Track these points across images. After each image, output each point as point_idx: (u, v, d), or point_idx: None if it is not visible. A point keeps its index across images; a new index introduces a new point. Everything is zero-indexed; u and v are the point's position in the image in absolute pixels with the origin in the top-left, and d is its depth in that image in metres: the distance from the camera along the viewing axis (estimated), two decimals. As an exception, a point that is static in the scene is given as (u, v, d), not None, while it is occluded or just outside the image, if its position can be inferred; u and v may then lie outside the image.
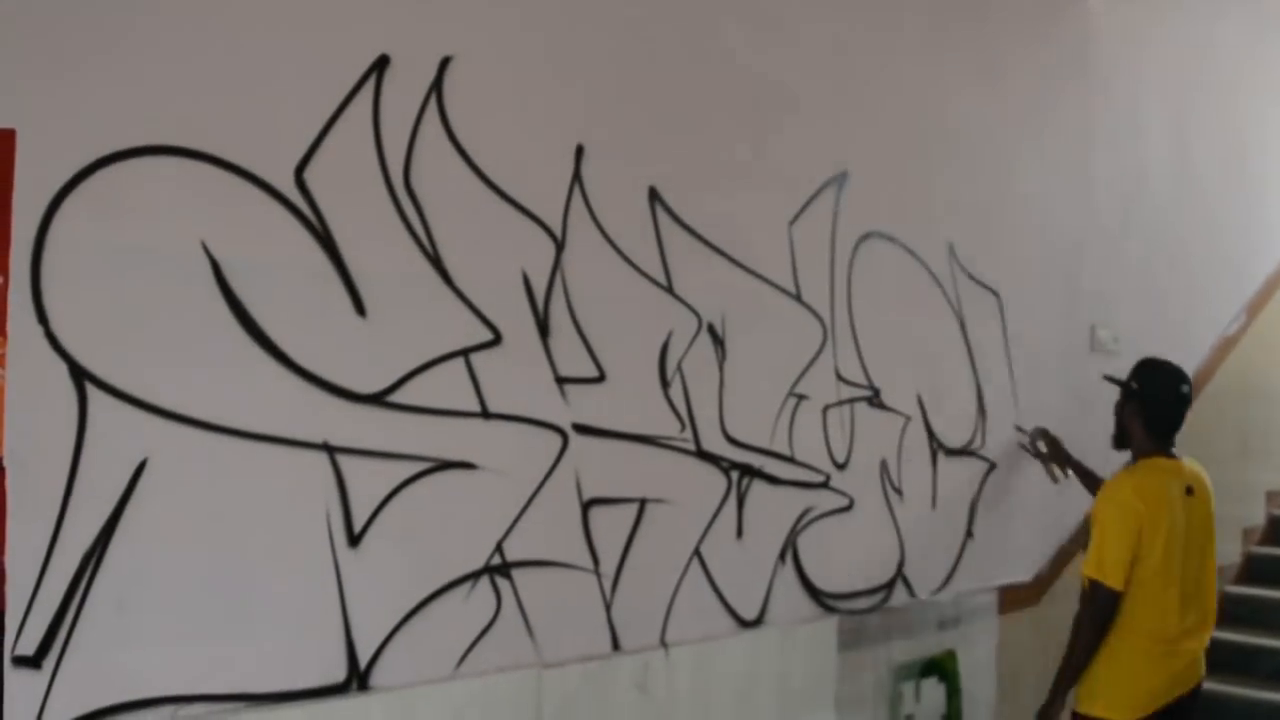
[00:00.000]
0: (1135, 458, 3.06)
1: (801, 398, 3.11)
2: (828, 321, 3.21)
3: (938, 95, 3.65)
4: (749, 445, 2.96)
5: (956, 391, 3.73)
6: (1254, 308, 5.67)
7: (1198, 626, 3.02)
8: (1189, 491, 2.99)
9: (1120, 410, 3.11)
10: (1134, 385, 3.07)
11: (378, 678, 2.19)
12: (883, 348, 3.40)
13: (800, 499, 3.12)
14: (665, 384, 2.75)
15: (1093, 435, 4.38)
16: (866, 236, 3.35)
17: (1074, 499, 4.30)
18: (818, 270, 3.19)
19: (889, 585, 3.44)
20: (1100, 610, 2.90)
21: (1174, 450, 3.05)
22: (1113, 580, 2.86)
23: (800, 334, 3.14)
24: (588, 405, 2.57)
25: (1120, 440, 3.14)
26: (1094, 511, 2.98)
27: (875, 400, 3.38)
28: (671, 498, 2.75)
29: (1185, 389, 3.05)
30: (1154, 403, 3.02)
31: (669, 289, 2.77)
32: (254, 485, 2.02)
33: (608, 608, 2.61)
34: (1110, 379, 3.21)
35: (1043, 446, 3.87)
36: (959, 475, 3.72)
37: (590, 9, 2.62)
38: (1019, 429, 3.77)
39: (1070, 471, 3.88)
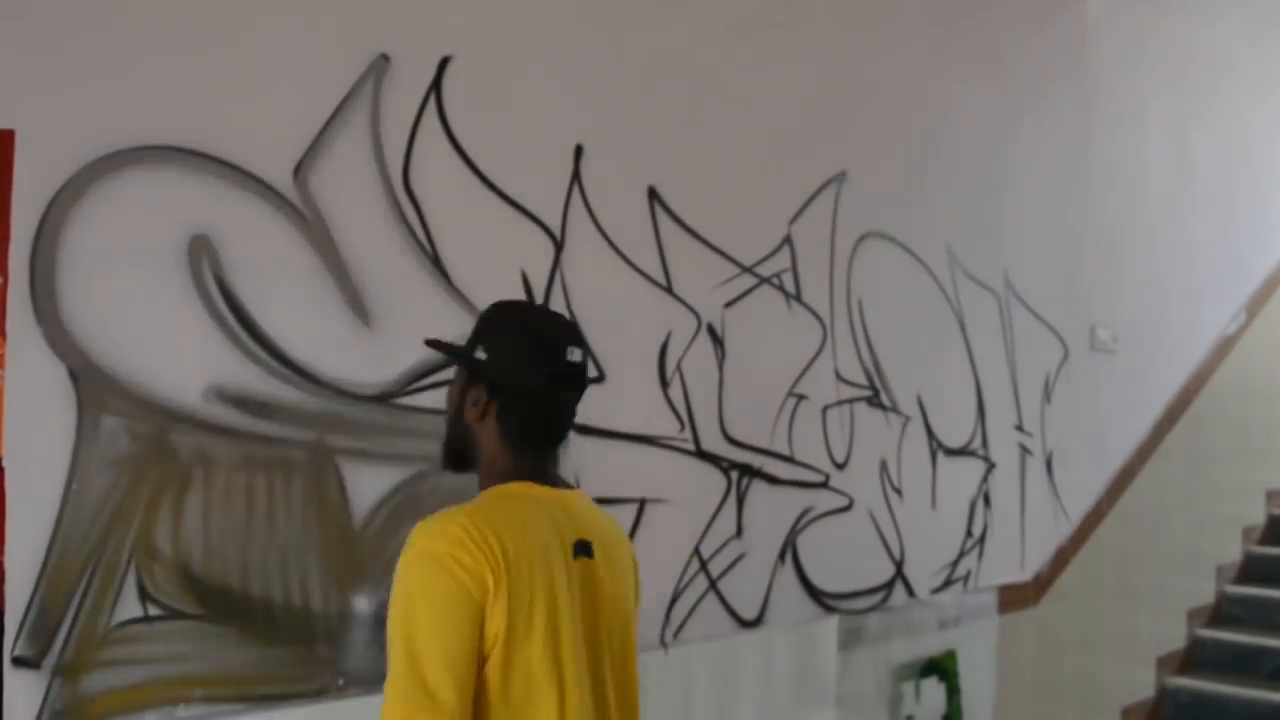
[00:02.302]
0: (486, 482, 1.61)
1: (801, 397, 3.11)
2: (827, 321, 3.21)
3: (937, 95, 3.65)
4: (749, 445, 2.96)
5: (956, 391, 3.73)
6: (1254, 306, 5.68)
7: None
8: (581, 550, 1.57)
9: (457, 401, 1.63)
10: (479, 353, 1.59)
11: (378, 679, 2.18)
12: (882, 347, 3.40)
13: (800, 499, 3.12)
14: (665, 384, 2.75)
15: (1092, 436, 4.40)
16: (866, 236, 3.35)
17: (1074, 499, 4.31)
18: (817, 270, 3.19)
19: (888, 585, 3.43)
20: None
21: (557, 472, 1.67)
22: (444, 697, 1.38)
23: (800, 334, 3.14)
24: (587, 405, 2.55)
25: (459, 459, 1.65)
26: (396, 575, 1.46)
27: (875, 400, 3.38)
28: (671, 498, 2.75)
29: (576, 356, 1.62)
30: (515, 386, 1.58)
31: (668, 289, 2.76)
32: (254, 485, 2.02)
33: (607, 608, 2.61)
34: (437, 344, 1.71)
35: None
36: (958, 475, 3.72)
37: (589, 9, 2.62)
38: None
39: None
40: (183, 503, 1.93)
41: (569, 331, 1.66)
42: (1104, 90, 4.48)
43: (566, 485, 1.65)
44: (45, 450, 1.79)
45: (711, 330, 2.87)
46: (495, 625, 1.43)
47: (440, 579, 1.42)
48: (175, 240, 1.93)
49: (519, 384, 1.58)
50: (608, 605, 1.60)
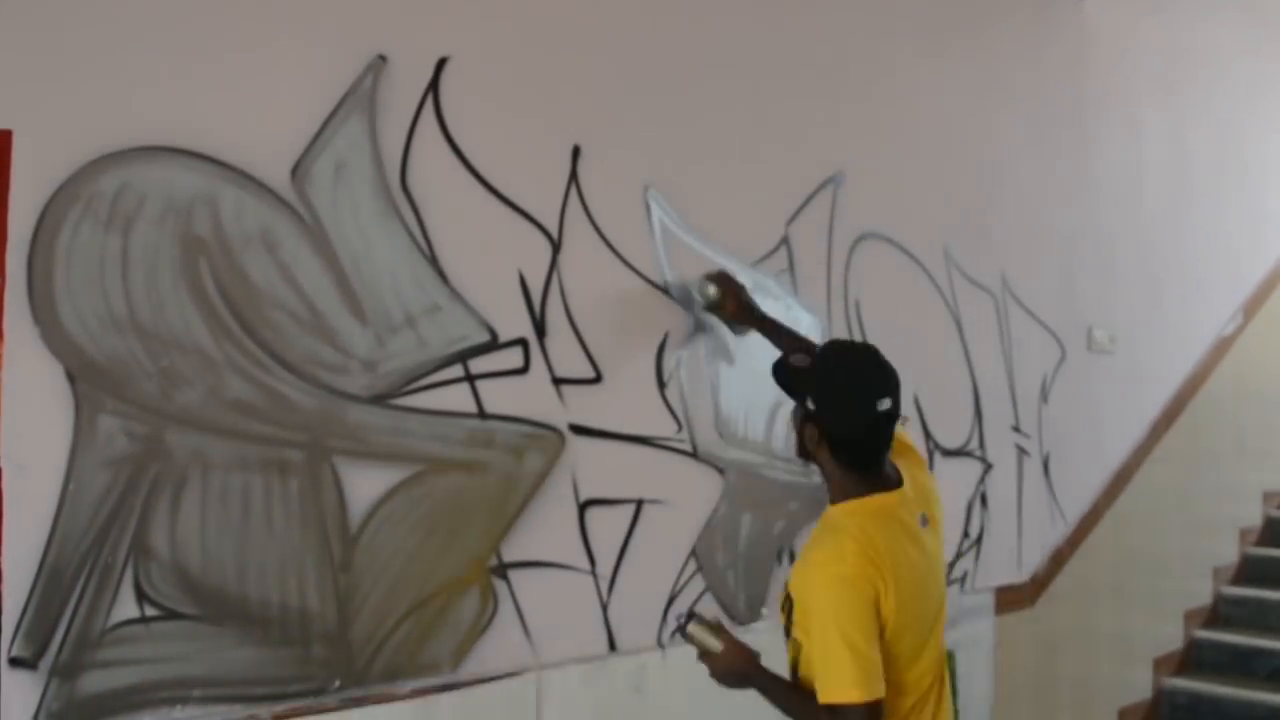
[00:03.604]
0: (836, 495, 2.05)
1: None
2: (825, 322, 3.21)
3: (935, 96, 3.65)
4: (746, 445, 2.96)
5: (953, 392, 3.73)
6: (1251, 308, 5.69)
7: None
8: (923, 522, 2.07)
9: (799, 431, 2.09)
10: (809, 403, 2.04)
11: (375, 679, 2.19)
12: (879, 347, 3.39)
13: (797, 499, 3.12)
14: (662, 385, 2.75)
15: (1090, 437, 4.40)
16: (863, 237, 3.35)
17: (1072, 500, 4.31)
18: (815, 270, 3.20)
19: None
20: None
21: (887, 470, 2.07)
22: (878, 678, 1.91)
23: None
24: (584, 406, 2.57)
25: (809, 459, 2.14)
26: (806, 599, 1.97)
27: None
28: (668, 498, 2.75)
29: (886, 406, 1.98)
30: (841, 432, 2.01)
31: (665, 290, 2.77)
32: (251, 485, 2.02)
33: (604, 609, 2.61)
34: (786, 384, 2.14)
35: None
36: (955, 476, 3.72)
37: (587, 9, 2.62)
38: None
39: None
40: (180, 503, 1.93)
41: (883, 383, 2.01)
42: (1101, 92, 4.49)
43: (897, 479, 2.06)
44: (42, 451, 1.79)
45: (709, 331, 2.87)
46: (884, 614, 1.92)
47: (853, 596, 1.90)
48: (172, 240, 1.93)
49: (840, 432, 2.01)
50: (936, 568, 2.10)
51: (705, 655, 2.10)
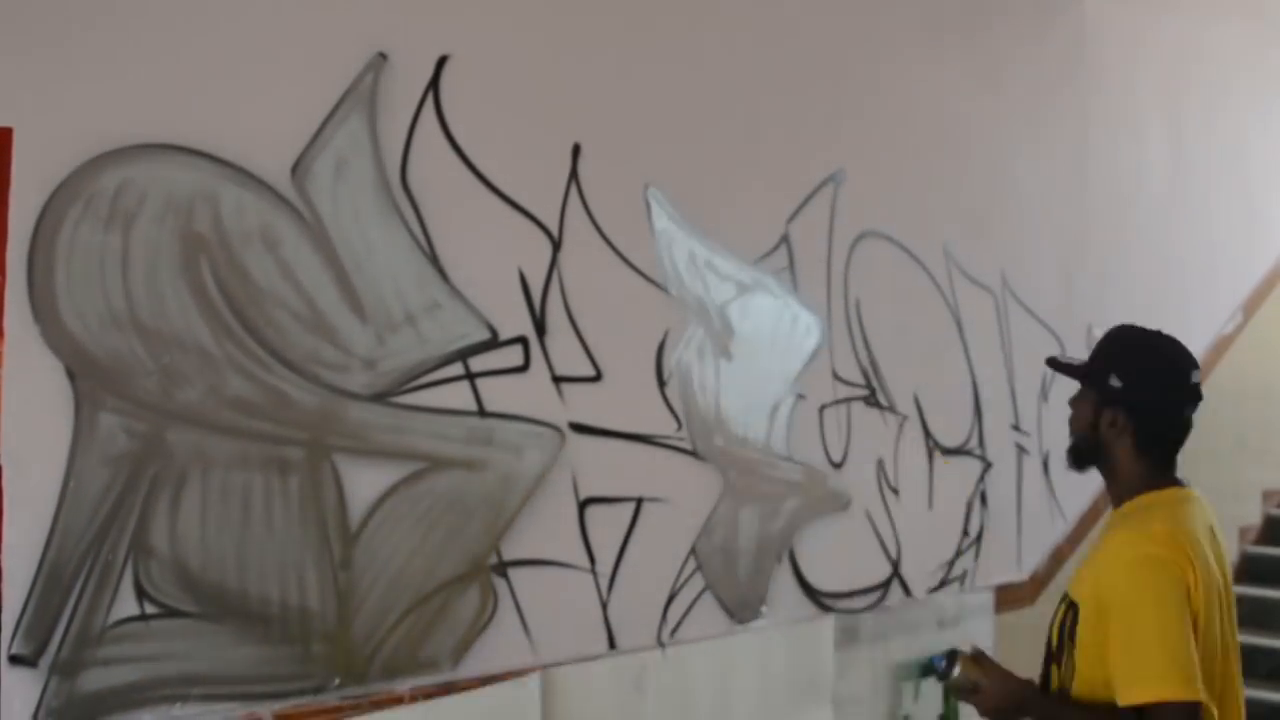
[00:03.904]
0: (1126, 494, 1.89)
1: (798, 397, 3.11)
2: (825, 320, 3.21)
3: (935, 95, 3.65)
4: (746, 444, 2.96)
5: (953, 391, 3.73)
6: (1250, 306, 5.68)
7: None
8: (1211, 534, 1.89)
9: (1094, 419, 1.90)
10: (1114, 383, 1.86)
11: (375, 677, 2.19)
12: (879, 347, 3.40)
13: (797, 498, 3.12)
14: (662, 383, 2.75)
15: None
16: (864, 236, 3.35)
17: (1071, 499, 4.31)
18: (815, 269, 3.20)
19: (885, 585, 3.44)
20: None
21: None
22: (1193, 672, 1.67)
23: (797, 333, 3.14)
24: (584, 404, 2.57)
25: (1082, 460, 1.96)
26: (1103, 594, 1.76)
27: (872, 400, 3.38)
28: (668, 497, 2.75)
29: (1197, 378, 1.89)
30: (1153, 413, 1.86)
31: (665, 288, 2.76)
32: (251, 483, 2.02)
33: (604, 607, 2.61)
34: (1058, 364, 2.01)
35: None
36: (955, 474, 3.72)
37: (588, 8, 2.62)
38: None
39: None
40: (180, 501, 1.93)
41: (1190, 357, 1.90)
42: (1101, 91, 4.49)
43: (1185, 484, 1.90)
44: (43, 448, 1.79)
45: (708, 329, 2.87)
46: (1194, 605, 1.72)
47: (1164, 578, 1.70)
48: (172, 237, 1.93)
49: (1158, 411, 1.86)
50: (1226, 578, 1.87)
51: (973, 693, 1.89)
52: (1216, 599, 1.79)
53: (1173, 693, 1.63)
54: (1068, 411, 2.00)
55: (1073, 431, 1.96)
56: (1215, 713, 1.74)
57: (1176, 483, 1.88)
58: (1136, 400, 1.84)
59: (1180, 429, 1.89)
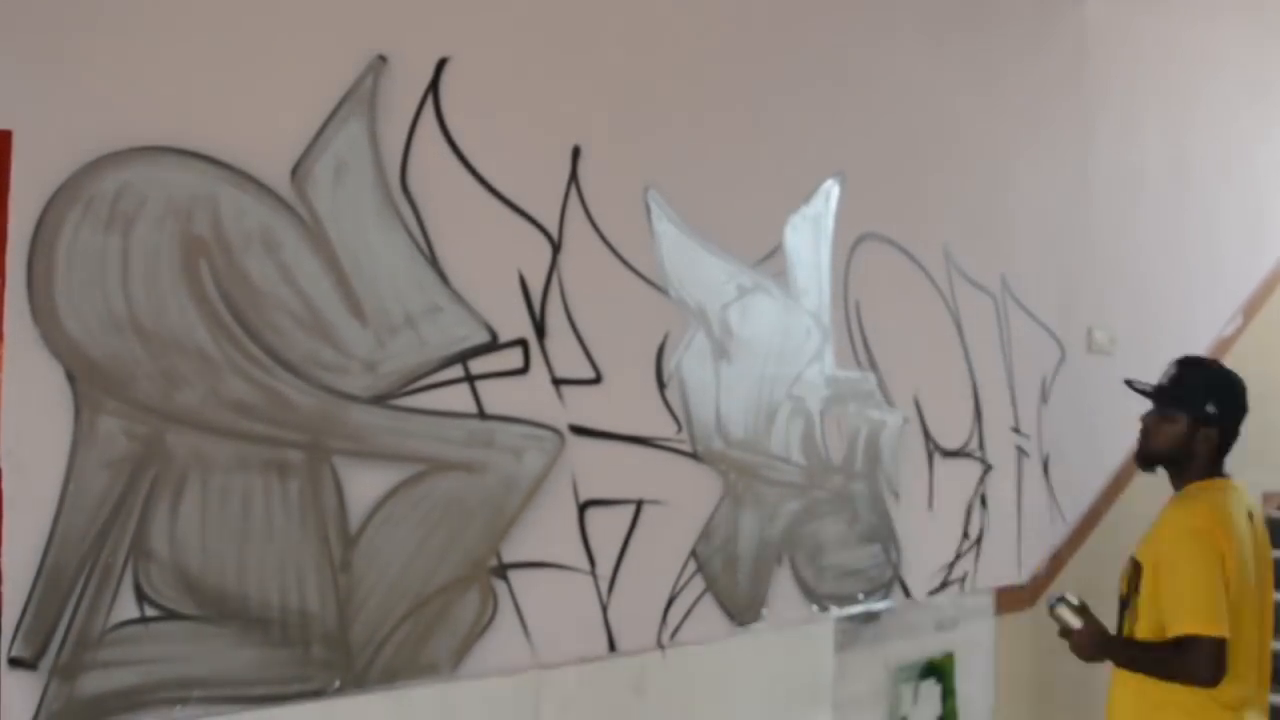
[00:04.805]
0: (1185, 481, 2.72)
1: (798, 399, 3.11)
2: (824, 322, 3.21)
3: (935, 97, 3.65)
4: (746, 446, 2.96)
5: (953, 393, 3.74)
6: (1250, 309, 5.68)
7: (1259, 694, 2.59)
8: (1249, 517, 2.68)
9: (1189, 434, 2.71)
10: (1210, 409, 2.70)
11: (375, 680, 2.19)
12: (879, 349, 3.40)
13: (797, 500, 3.12)
14: (662, 385, 2.75)
15: (1089, 438, 4.40)
16: (863, 238, 3.35)
17: (1070, 501, 4.31)
18: (814, 271, 3.20)
19: (885, 587, 3.44)
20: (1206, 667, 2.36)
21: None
22: (1223, 615, 2.38)
23: (797, 335, 3.14)
24: (584, 406, 2.57)
25: (1151, 465, 2.82)
26: (1158, 555, 2.54)
27: (871, 401, 3.38)
28: (668, 499, 2.75)
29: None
30: (1232, 428, 2.75)
31: (665, 290, 2.77)
32: (251, 486, 2.02)
33: (604, 609, 2.61)
34: (1153, 393, 2.85)
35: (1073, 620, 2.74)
36: (955, 477, 3.72)
37: (588, 10, 2.62)
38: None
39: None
40: (180, 504, 1.93)
41: (1242, 382, 2.79)
42: (1101, 93, 4.49)
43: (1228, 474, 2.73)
44: (42, 451, 1.79)
45: (708, 331, 2.87)
46: (1226, 571, 2.41)
47: (1201, 545, 2.43)
48: (172, 240, 1.93)
49: (1234, 428, 2.75)
50: (1263, 551, 2.62)
51: (1067, 632, 2.66)
52: (1249, 566, 2.47)
53: (1202, 628, 2.31)
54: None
55: (1156, 443, 2.76)
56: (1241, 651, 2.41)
57: (1223, 475, 2.69)
58: (1225, 421, 2.71)
59: (1236, 438, 2.73)
